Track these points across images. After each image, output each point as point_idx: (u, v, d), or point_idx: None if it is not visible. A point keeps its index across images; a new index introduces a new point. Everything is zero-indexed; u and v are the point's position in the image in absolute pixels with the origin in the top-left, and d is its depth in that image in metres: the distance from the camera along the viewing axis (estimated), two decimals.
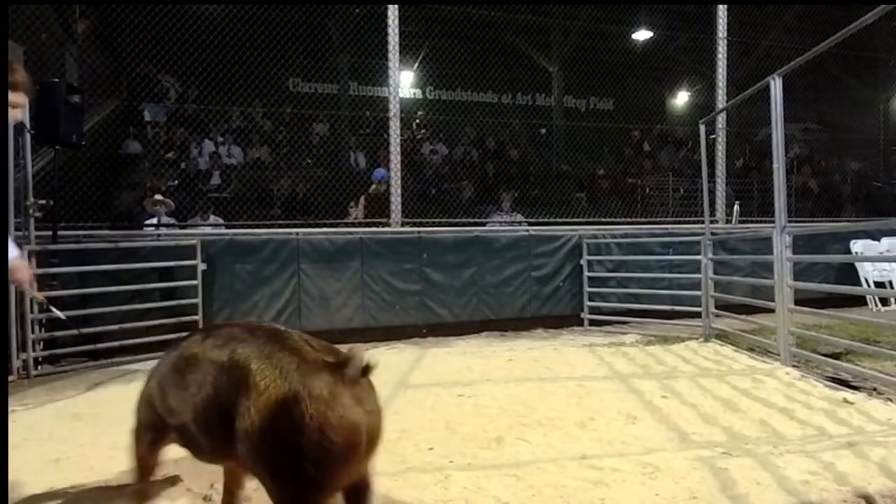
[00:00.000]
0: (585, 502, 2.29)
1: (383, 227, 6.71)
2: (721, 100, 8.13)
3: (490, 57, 10.24)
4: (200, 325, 5.22)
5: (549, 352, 5.28)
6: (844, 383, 3.93)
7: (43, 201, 4.91)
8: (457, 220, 7.51)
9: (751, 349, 5.08)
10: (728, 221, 8.02)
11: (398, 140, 6.83)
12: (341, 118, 11.23)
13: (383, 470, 2.36)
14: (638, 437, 3.01)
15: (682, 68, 12.75)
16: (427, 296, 6.32)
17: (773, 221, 4.57)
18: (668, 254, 6.74)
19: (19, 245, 4.76)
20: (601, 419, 3.29)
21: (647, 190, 10.78)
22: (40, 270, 4.63)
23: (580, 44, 10.80)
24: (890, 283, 7.41)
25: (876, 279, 7.39)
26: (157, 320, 5.13)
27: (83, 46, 8.89)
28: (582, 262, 6.71)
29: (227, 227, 6.90)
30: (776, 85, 4.39)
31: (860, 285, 7.26)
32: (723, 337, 5.61)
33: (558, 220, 7.72)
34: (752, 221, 8.45)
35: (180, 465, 2.65)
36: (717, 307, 5.78)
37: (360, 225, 6.82)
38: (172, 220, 6.84)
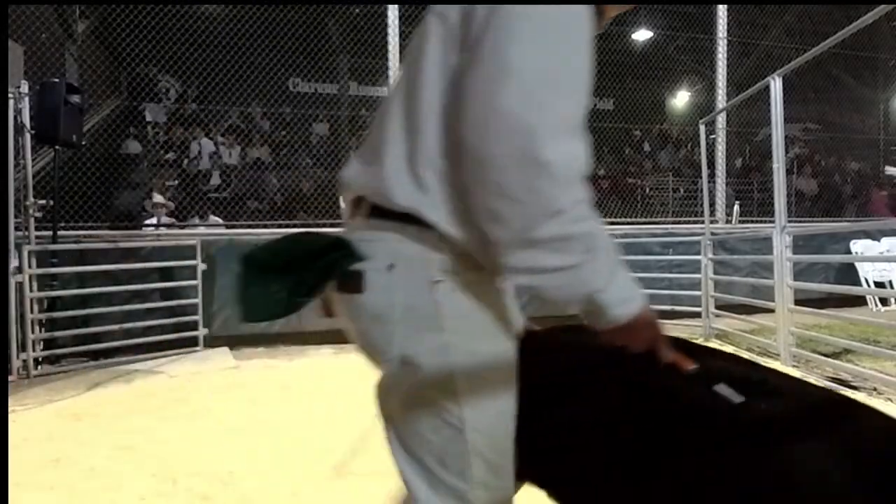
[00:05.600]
0: None
1: None
2: (721, 100, 8.14)
3: None
4: (200, 324, 5.20)
5: None
6: (844, 383, 3.93)
7: (43, 201, 4.90)
8: None
9: (751, 349, 5.07)
10: (728, 221, 8.02)
11: None
12: (341, 118, 11.21)
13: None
14: None
15: (682, 68, 12.74)
16: None
17: (773, 221, 4.57)
18: (668, 254, 6.73)
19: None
20: None
21: (647, 190, 10.78)
22: (40, 270, 4.64)
23: None
24: (890, 282, 7.41)
25: (876, 279, 7.39)
26: (158, 320, 5.13)
27: (83, 46, 8.90)
28: None
29: (227, 227, 6.90)
30: (776, 85, 4.39)
31: (860, 285, 7.26)
32: (723, 337, 5.61)
33: None
34: (752, 221, 8.46)
35: (177, 462, 2.65)
36: (717, 307, 5.78)
37: None
38: (172, 221, 6.84)
